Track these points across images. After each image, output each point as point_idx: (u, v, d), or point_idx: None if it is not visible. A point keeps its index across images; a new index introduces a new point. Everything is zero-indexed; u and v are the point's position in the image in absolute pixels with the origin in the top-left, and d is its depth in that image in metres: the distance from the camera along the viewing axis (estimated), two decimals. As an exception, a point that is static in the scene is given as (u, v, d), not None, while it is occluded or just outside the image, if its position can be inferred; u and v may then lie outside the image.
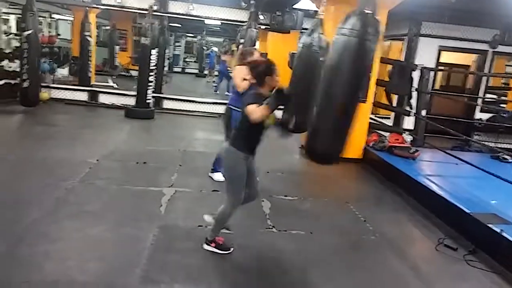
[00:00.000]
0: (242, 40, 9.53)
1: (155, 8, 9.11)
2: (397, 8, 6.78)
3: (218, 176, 5.38)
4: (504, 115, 9.09)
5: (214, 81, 18.37)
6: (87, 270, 3.14)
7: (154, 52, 9.13)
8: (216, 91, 15.17)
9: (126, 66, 17.34)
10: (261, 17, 10.06)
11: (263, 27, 10.53)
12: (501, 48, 9.01)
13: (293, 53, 7.46)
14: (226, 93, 14.44)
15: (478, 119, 9.20)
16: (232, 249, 3.53)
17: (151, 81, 9.27)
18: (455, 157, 5.96)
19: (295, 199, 5.06)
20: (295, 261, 3.61)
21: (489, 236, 3.89)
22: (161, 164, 5.99)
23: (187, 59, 26.04)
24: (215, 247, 3.51)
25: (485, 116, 9.28)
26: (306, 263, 3.59)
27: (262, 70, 3.28)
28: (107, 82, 13.73)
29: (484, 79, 9.31)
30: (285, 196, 5.12)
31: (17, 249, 3.30)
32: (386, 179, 6.09)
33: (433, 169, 6.36)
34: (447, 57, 9.74)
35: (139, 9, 10.03)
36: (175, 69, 22.29)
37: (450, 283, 3.53)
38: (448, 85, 10.90)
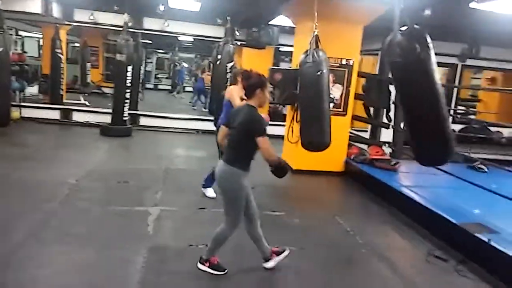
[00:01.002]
0: (219, 56, 9.53)
1: (130, 24, 8.99)
2: (370, 23, 6.98)
3: (211, 192, 5.31)
4: (476, 125, 9.41)
5: (181, 97, 18.46)
6: (77, 297, 3.00)
7: (129, 68, 9.00)
8: (193, 106, 15.09)
9: (98, 84, 17.03)
10: (236, 33, 10.09)
11: (239, 43, 10.56)
12: (469, 62, 9.38)
13: (273, 68, 7.55)
14: (203, 109, 14.43)
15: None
16: (226, 270, 3.45)
17: (127, 98, 9.11)
18: (440, 169, 6.08)
19: (282, 214, 5.03)
20: (289, 279, 3.56)
21: (478, 246, 3.95)
22: (144, 183, 5.85)
23: (158, 76, 25.88)
24: (209, 267, 3.42)
25: (458, 127, 9.58)
26: (301, 280, 3.55)
27: (254, 83, 3.27)
28: (79, 100, 13.41)
29: (455, 91, 9.63)
30: (273, 211, 5.09)
31: (3, 275, 3.12)
32: (370, 191, 6.15)
33: (414, 180, 6.47)
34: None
35: (113, 25, 9.89)
36: (148, 86, 22.05)
37: (443, 294, 3.56)
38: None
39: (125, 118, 9.17)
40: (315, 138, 5.42)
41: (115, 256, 3.61)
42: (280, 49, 12.89)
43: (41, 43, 16.61)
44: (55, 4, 8.89)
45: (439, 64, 10.06)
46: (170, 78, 24.27)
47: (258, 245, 3.50)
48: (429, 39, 3.59)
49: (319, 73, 5.48)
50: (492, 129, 9.73)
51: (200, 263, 3.45)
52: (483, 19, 7.14)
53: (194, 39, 13.24)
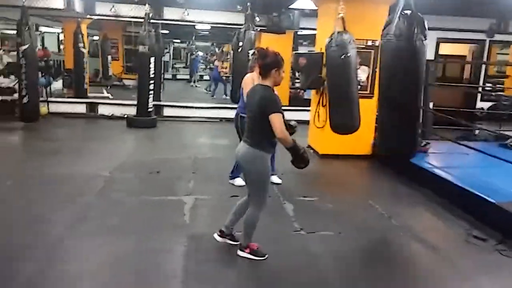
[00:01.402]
0: (240, 43, 9.48)
1: (151, 15, 9.01)
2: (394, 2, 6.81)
3: (239, 181, 5.33)
4: (505, 102, 9.17)
5: (196, 86, 18.53)
6: (125, 286, 3.07)
7: (152, 60, 9.04)
8: (213, 95, 15.12)
9: (119, 76, 17.20)
10: (256, 18, 9.99)
11: (259, 29, 10.47)
12: (497, 37, 9.10)
13: (297, 53, 7.49)
14: (224, 96, 14.45)
15: (479, 108, 9.26)
16: (266, 255, 3.48)
17: (151, 89, 9.18)
18: (468, 146, 5.97)
19: (315, 200, 5.02)
20: (329, 264, 3.56)
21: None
22: (174, 172, 5.92)
23: (175, 65, 25.96)
24: (249, 253, 3.46)
25: (486, 105, 9.36)
26: (342, 265, 3.55)
27: (270, 62, 3.21)
28: (102, 93, 13.59)
29: (483, 68, 9.38)
30: (305, 197, 5.09)
31: (49, 269, 3.22)
32: (400, 174, 6.07)
33: (446, 161, 6.35)
34: (443, 49, 9.82)
35: (134, 17, 9.93)
36: (166, 76, 22.16)
37: (487, 274, 3.51)
38: (445, 76, 10.98)
39: (149, 109, 9.26)
40: (343, 121, 5.40)
41: (155, 246, 3.67)
42: (299, 33, 12.73)
43: (60, 37, 16.91)
44: (76, -2, 8.96)
45: (467, 41, 9.88)
46: (187, 68, 24.29)
47: (233, 219, 3.54)
48: (427, 27, 3.59)
49: (343, 56, 5.44)
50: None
51: (240, 250, 3.49)
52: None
53: (212, 27, 13.20)
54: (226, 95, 14.45)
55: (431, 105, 7.11)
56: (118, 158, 6.47)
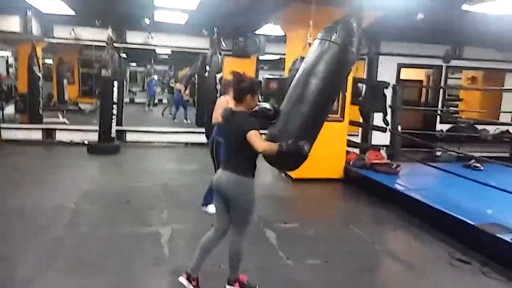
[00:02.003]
0: (207, 67, 9.41)
1: (113, 39, 8.76)
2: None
3: (212, 209, 5.14)
4: (462, 125, 9.59)
5: (150, 109, 18.25)
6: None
7: (115, 84, 8.76)
8: (174, 119, 14.82)
9: (74, 100, 16.57)
10: (222, 43, 9.99)
11: (224, 53, 10.45)
12: (453, 63, 9.58)
13: (268, 78, 7.50)
14: (185, 121, 14.21)
15: (439, 130, 9.62)
16: (258, 286, 3.31)
17: (114, 114, 8.86)
18: (438, 168, 6.14)
19: (296, 226, 4.92)
20: (321, 293, 3.45)
21: (501, 247, 3.95)
22: (145, 201, 5.64)
23: (132, 89, 25.47)
24: (240, 287, 3.27)
25: (445, 127, 9.74)
26: (334, 294, 3.45)
27: (246, 88, 3.13)
28: (57, 118, 12.98)
29: (441, 92, 9.81)
30: (285, 223, 4.98)
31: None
32: (374, 196, 6.11)
33: (418, 182, 6.46)
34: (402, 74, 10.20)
35: (95, 40, 9.63)
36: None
37: (477, 297, 3.52)
38: (403, 99, 11.39)
39: (113, 135, 8.91)
40: None
41: (138, 283, 3.43)
42: (260, 57, 12.81)
43: (9, 61, 16.11)
44: (34, 21, 8.57)
45: (425, 66, 10.27)
46: (144, 91, 23.86)
47: (200, 258, 3.29)
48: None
49: None
50: (478, 127, 9.93)
51: (229, 284, 3.30)
52: (470, 20, 7.32)
53: (172, 51, 13.04)
54: (186, 120, 14.23)
55: (399, 128, 7.29)
56: (83, 187, 6.10)
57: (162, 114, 16.01)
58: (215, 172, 4.95)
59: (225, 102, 4.90)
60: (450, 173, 5.96)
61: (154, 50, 13.29)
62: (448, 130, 9.65)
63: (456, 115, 10.77)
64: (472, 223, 4.38)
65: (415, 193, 5.60)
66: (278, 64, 16.18)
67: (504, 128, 10.00)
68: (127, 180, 6.84)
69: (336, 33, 3.65)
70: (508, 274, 3.77)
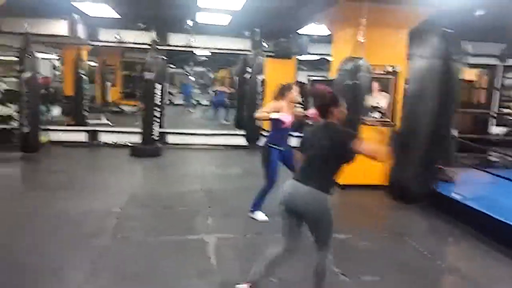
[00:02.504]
0: (249, 69, 9.26)
1: (157, 41, 8.77)
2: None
3: (261, 216, 5.00)
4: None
5: (190, 111, 18.28)
6: None
7: (158, 87, 8.76)
8: (212, 119, 14.83)
9: (117, 102, 16.90)
10: (264, 44, 9.82)
11: (266, 54, 10.28)
12: (510, 62, 8.99)
13: (314, 80, 7.25)
14: (223, 121, 14.17)
15: (495, 134, 9.05)
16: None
17: (157, 117, 8.86)
18: (498, 175, 5.68)
19: (349, 237, 4.66)
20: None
21: None
22: (190, 207, 5.54)
23: (170, 91, 25.73)
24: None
25: (502, 130, 9.15)
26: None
27: (327, 102, 2.98)
28: (100, 120, 13.22)
29: (496, 93, 9.23)
30: (337, 234, 4.71)
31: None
32: (429, 205, 5.74)
33: (477, 191, 6.03)
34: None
35: (139, 43, 9.70)
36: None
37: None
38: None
39: (155, 138, 8.91)
40: None
41: (186, 296, 3.28)
42: (299, 58, 12.54)
43: (56, 64, 16.61)
44: (80, 25, 8.71)
45: (479, 65, 9.69)
46: (181, 93, 24.06)
47: (269, 271, 3.08)
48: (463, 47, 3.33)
49: (351, 82, 5.09)
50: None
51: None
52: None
53: (212, 52, 13.02)
54: (226, 121, 14.19)
55: (455, 132, 6.84)
56: (128, 191, 6.08)
57: (206, 115, 16.07)
58: (267, 179, 4.86)
59: (279, 106, 4.74)
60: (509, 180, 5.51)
61: (193, 51, 13.32)
62: (505, 134, 9.05)
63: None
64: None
65: (475, 203, 5.19)
66: (317, 64, 15.87)
67: None
68: (170, 184, 6.79)
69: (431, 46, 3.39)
70: None
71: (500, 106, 9.40)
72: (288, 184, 3.02)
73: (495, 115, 9.21)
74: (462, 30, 7.76)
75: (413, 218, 5.50)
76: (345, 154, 2.86)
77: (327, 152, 2.90)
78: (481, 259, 4.28)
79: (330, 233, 2.99)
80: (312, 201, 2.88)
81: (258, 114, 4.92)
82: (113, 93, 16.66)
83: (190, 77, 23.93)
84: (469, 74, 10.84)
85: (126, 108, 16.91)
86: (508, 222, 4.45)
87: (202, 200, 5.87)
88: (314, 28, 8.48)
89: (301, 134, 3.29)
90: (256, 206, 5.02)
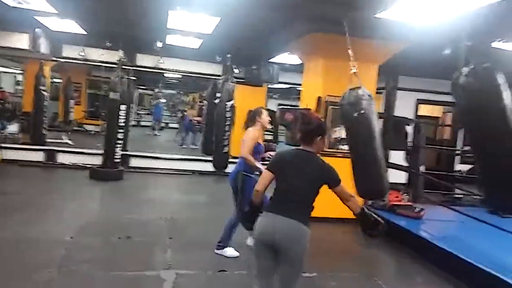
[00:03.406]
0: (218, 94, 9.08)
1: (124, 61, 8.49)
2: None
3: (231, 252, 4.65)
4: (483, 166, 9.11)
5: (155, 134, 17.88)
6: None
7: (123, 107, 8.43)
8: (181, 145, 14.49)
9: (80, 121, 16.30)
10: (235, 70, 9.71)
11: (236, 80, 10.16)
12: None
13: (283, 108, 7.14)
14: (191, 146, 13.86)
15: (458, 171, 9.16)
16: None
17: (120, 138, 8.48)
18: (468, 215, 5.65)
19: (314, 276, 4.42)
20: None
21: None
22: (148, 237, 5.18)
23: (139, 112, 25.28)
24: None
25: (465, 167, 9.28)
26: None
27: (316, 129, 2.85)
28: (61, 139, 12.64)
29: (461, 130, 9.39)
30: (305, 271, 4.46)
31: None
32: (397, 242, 5.61)
33: (445, 230, 5.97)
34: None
35: (105, 62, 9.38)
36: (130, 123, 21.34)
37: None
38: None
39: (117, 160, 8.50)
40: (367, 185, 4.65)
41: None
42: (269, 86, 12.51)
43: (18, 78, 15.94)
44: (43, 39, 8.33)
45: (443, 103, 9.82)
46: (151, 114, 23.64)
47: None
48: (500, 78, 3.27)
49: (356, 113, 4.83)
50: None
51: None
52: (496, 59, 7.01)
53: (182, 75, 12.81)
54: (194, 145, 13.89)
55: (422, 168, 6.85)
56: (82, 218, 5.66)
57: (175, 139, 15.72)
58: (237, 208, 4.58)
59: (257, 134, 4.54)
60: (481, 222, 5.48)
61: (163, 74, 13.06)
62: (468, 171, 9.17)
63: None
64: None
65: (444, 243, 5.05)
66: (287, 93, 15.95)
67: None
68: (130, 211, 6.38)
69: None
70: None
71: (464, 144, 9.56)
72: (264, 218, 2.79)
73: (459, 152, 9.34)
74: (427, 67, 7.94)
75: (382, 257, 5.35)
76: (319, 190, 2.78)
77: (312, 185, 2.76)
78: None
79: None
80: (294, 235, 2.68)
81: (246, 154, 4.55)
82: (76, 112, 16.05)
83: (161, 99, 23.59)
84: (432, 111, 11.09)
85: (89, 128, 16.34)
86: (478, 265, 4.34)
87: (162, 230, 5.52)
88: (286, 57, 8.45)
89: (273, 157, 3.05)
90: (226, 241, 4.68)
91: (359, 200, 2.78)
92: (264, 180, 2.88)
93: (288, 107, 8.53)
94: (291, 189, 2.76)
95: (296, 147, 2.94)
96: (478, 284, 4.27)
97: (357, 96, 4.37)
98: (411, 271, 4.85)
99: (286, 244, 2.67)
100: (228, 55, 8.99)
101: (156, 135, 18.24)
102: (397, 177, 7.65)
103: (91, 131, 16.12)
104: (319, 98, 6.42)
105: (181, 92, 28.46)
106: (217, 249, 4.68)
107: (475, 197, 7.57)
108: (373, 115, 4.35)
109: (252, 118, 4.67)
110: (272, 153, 4.86)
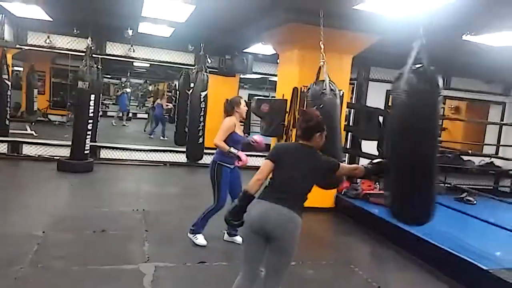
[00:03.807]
0: (192, 84, 8.97)
1: (93, 49, 8.21)
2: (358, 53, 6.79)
3: (201, 240, 4.65)
4: (449, 155, 9.44)
5: (123, 124, 17.53)
6: None
7: (92, 97, 8.18)
8: (150, 135, 14.23)
9: (44, 111, 15.72)
10: (208, 60, 9.59)
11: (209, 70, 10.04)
12: (445, 92, 9.48)
13: (259, 99, 7.11)
14: (161, 137, 13.64)
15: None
16: None
17: (89, 129, 8.24)
18: (439, 203, 5.81)
19: (294, 264, 4.45)
20: None
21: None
22: (124, 231, 5.07)
23: (105, 101, 24.66)
24: None
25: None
26: None
27: (315, 126, 2.91)
28: (25, 130, 12.18)
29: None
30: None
31: None
32: (371, 230, 5.75)
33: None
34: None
35: (74, 50, 9.04)
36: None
37: None
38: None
39: (86, 152, 8.26)
40: None
41: None
42: (242, 76, 12.45)
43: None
44: (7, 26, 7.93)
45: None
46: (117, 104, 23.11)
47: None
48: (441, 83, 3.33)
49: (315, 107, 4.93)
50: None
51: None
52: (464, 51, 7.22)
53: (151, 64, 12.55)
54: (163, 137, 13.68)
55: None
56: (52, 211, 5.48)
57: (144, 130, 15.41)
58: (216, 199, 4.55)
59: (233, 123, 4.52)
60: (449, 208, 5.69)
61: (132, 62, 12.74)
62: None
63: (439, 145, 10.65)
64: (484, 267, 4.05)
65: (415, 230, 5.23)
66: (258, 83, 15.90)
67: (488, 160, 9.94)
68: (102, 204, 6.22)
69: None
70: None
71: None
72: (257, 205, 2.78)
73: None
74: (398, 59, 8.08)
75: (357, 245, 5.46)
76: (323, 181, 3.00)
77: (308, 178, 2.82)
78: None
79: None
80: (285, 222, 2.69)
81: (218, 142, 4.53)
82: (40, 102, 15.45)
83: (126, 88, 23.03)
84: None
85: (53, 118, 15.81)
86: (447, 249, 4.50)
87: (137, 223, 5.42)
88: (260, 48, 8.40)
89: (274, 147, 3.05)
90: (198, 227, 4.67)
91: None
92: (264, 169, 2.87)
93: (262, 97, 8.46)
94: (288, 180, 2.79)
95: (296, 142, 3.03)
96: (448, 267, 4.41)
97: (319, 90, 4.41)
98: (386, 257, 4.99)
99: (278, 232, 2.68)
100: (201, 45, 8.91)
101: (124, 125, 17.83)
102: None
103: (55, 121, 15.64)
104: (295, 89, 6.43)
105: (148, 81, 27.97)
106: (190, 232, 4.69)
107: (442, 185, 7.87)
108: (336, 109, 4.38)
109: (229, 107, 4.64)
110: (256, 137, 4.89)
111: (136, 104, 27.51)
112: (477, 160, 9.98)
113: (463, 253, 4.37)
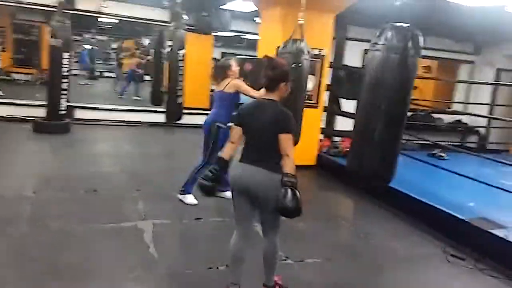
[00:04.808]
0: (170, 43, 8.76)
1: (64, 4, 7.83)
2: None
3: (191, 199, 4.76)
4: (421, 113, 9.84)
5: (87, 83, 17.03)
6: None
7: (66, 55, 7.90)
8: (121, 95, 13.88)
9: (7, 69, 14.98)
10: (184, 17, 9.33)
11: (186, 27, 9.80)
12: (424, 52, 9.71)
13: (243, 58, 7.09)
14: (134, 97, 13.40)
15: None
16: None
17: (65, 89, 8.01)
18: (414, 158, 6.14)
19: (284, 219, 4.67)
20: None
21: (495, 243, 3.98)
22: (115, 190, 5.13)
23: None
24: (279, 288, 3.02)
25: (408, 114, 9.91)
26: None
27: (280, 75, 2.79)
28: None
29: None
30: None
31: None
32: (352, 186, 6.02)
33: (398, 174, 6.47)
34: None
35: (46, 5, 8.59)
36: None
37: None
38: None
39: (62, 112, 8.06)
40: None
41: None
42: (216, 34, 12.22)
43: None
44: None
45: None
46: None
47: (238, 267, 2.96)
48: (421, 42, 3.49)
49: (294, 65, 5.01)
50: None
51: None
52: (437, 10, 7.37)
53: (120, 20, 12.08)
54: (138, 96, 13.44)
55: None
56: (37, 173, 5.43)
57: (115, 89, 15.01)
58: (205, 160, 4.63)
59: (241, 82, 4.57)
60: (425, 163, 6.03)
61: (96, 18, 12.18)
62: (410, 118, 9.81)
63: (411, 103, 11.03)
64: (462, 217, 4.39)
65: (395, 184, 5.54)
66: (231, 41, 15.63)
67: (457, 117, 10.43)
68: (86, 164, 6.18)
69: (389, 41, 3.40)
70: (504, 271, 3.79)
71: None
72: (237, 168, 2.88)
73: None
74: (375, 18, 8.16)
75: (341, 199, 5.76)
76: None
77: (268, 133, 2.74)
78: (408, 238, 4.55)
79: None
80: (265, 183, 2.74)
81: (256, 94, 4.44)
82: (3, 59, 14.69)
83: (85, 45, 21.95)
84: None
85: (17, 77, 15.12)
86: (426, 201, 4.83)
87: (127, 182, 5.47)
88: (239, 4, 8.26)
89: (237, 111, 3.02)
90: (188, 187, 4.76)
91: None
92: (235, 133, 2.92)
93: (247, 57, 8.42)
94: (255, 138, 2.81)
95: (258, 99, 3.00)
96: (428, 218, 4.75)
97: (299, 48, 4.50)
98: (370, 210, 5.28)
99: (260, 192, 2.75)
100: (178, 0, 8.63)
101: (87, 84, 17.24)
102: (350, 125, 8.03)
103: (20, 80, 14.98)
104: (278, 48, 6.43)
105: (112, 38, 26.84)
106: (180, 193, 4.79)
107: (415, 142, 8.26)
108: (307, 70, 4.56)
109: (220, 72, 4.62)
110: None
111: (101, 62, 26.50)
112: (446, 118, 10.45)
113: (441, 205, 4.70)
